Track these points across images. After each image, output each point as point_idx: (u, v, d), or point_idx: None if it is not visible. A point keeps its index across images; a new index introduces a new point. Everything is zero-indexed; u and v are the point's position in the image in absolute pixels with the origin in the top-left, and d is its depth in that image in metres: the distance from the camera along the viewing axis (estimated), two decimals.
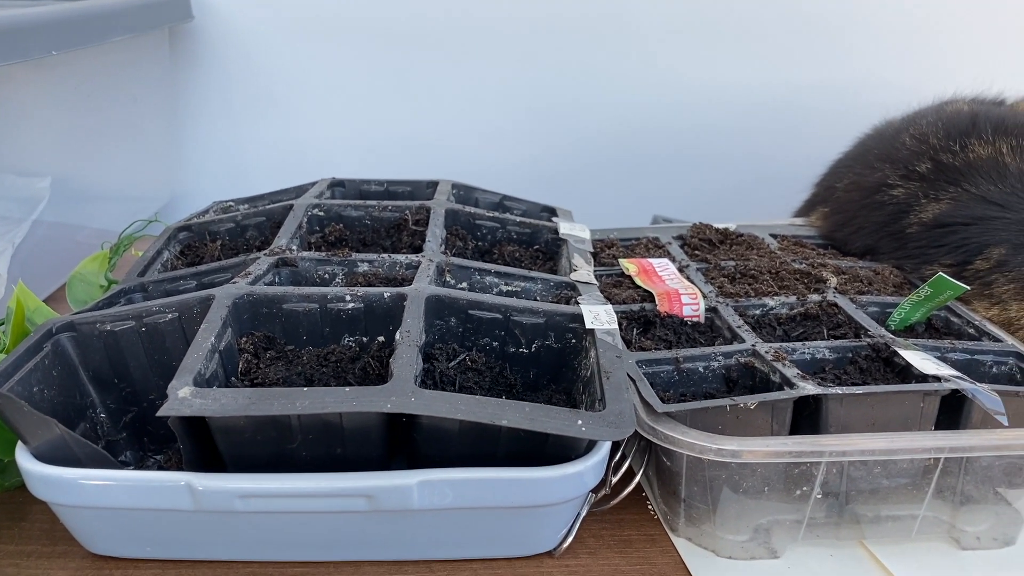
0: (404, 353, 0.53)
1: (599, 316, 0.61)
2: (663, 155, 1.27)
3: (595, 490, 0.60)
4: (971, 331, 0.70)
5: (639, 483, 0.64)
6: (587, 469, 0.52)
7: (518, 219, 0.84)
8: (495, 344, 0.62)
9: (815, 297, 0.73)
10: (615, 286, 0.78)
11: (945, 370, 0.58)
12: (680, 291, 0.73)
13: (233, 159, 1.27)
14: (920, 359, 0.60)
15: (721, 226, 0.92)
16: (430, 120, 1.26)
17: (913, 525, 0.58)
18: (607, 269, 0.82)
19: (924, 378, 0.58)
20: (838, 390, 0.56)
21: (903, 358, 0.61)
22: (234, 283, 0.61)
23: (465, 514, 0.53)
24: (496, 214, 0.84)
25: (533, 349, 0.62)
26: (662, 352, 0.64)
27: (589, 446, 0.54)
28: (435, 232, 0.76)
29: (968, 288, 0.69)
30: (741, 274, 0.79)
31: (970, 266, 0.76)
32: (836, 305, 0.72)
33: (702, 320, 0.71)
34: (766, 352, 0.62)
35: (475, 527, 0.54)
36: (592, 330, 0.60)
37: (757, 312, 0.72)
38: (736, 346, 0.64)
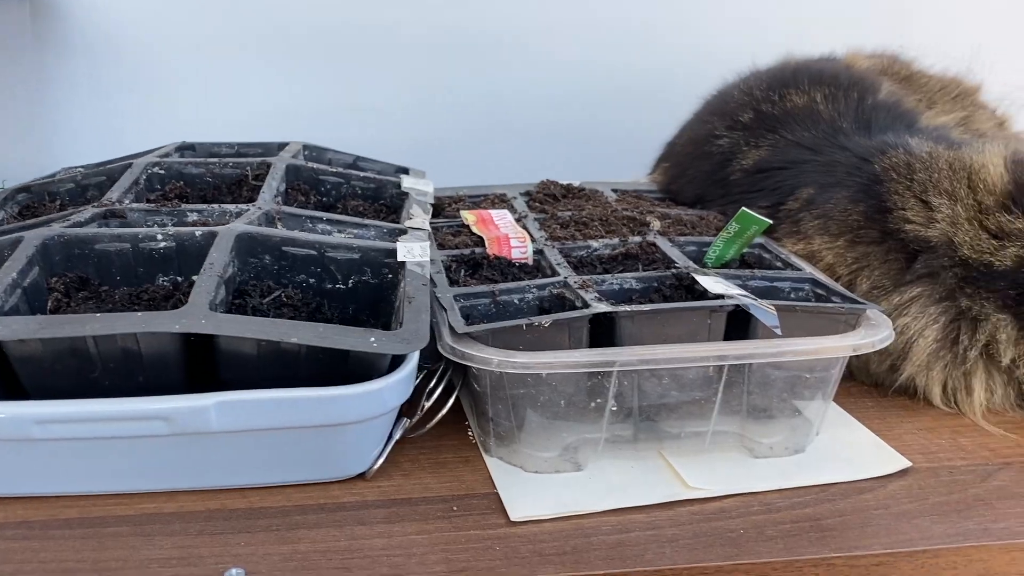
0: (203, 282, 0.55)
1: (412, 251, 0.64)
2: (544, 125, 1.28)
3: (410, 415, 0.62)
4: (779, 264, 0.74)
5: (463, 412, 0.66)
6: (386, 387, 0.55)
7: (362, 174, 0.86)
8: (312, 281, 0.64)
9: (636, 239, 0.77)
10: (453, 235, 0.80)
11: (732, 290, 0.62)
12: (510, 235, 0.76)
13: (103, 138, 1.25)
14: (713, 283, 0.64)
15: (567, 182, 0.96)
16: (302, 94, 1.26)
17: (706, 436, 0.62)
18: (450, 221, 0.84)
19: (714, 299, 0.62)
20: (627, 308, 0.60)
21: (701, 285, 0.65)
22: (49, 227, 0.62)
23: (268, 436, 0.54)
24: (341, 170, 0.86)
25: (350, 285, 0.64)
26: (481, 287, 0.67)
27: (393, 368, 0.56)
28: (271, 184, 0.77)
29: (771, 222, 0.73)
30: (574, 222, 0.83)
31: (783, 206, 0.81)
32: (655, 245, 0.76)
33: (530, 262, 0.75)
34: (575, 283, 0.65)
35: (281, 450, 0.56)
36: (403, 262, 0.62)
37: (582, 253, 0.76)
38: (550, 279, 0.67)
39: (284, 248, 0.63)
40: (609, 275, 0.68)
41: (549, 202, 0.91)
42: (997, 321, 0.68)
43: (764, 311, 0.59)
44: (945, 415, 0.70)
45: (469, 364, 0.57)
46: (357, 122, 1.24)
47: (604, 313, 0.60)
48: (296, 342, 0.51)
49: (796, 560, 0.53)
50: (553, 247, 0.75)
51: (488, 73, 1.25)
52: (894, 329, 0.70)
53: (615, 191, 0.96)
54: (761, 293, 0.69)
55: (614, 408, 0.60)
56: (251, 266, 0.63)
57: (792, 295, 0.70)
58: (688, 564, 0.52)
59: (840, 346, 0.59)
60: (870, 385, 0.74)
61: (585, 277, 0.67)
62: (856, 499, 0.59)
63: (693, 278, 0.67)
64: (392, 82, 1.22)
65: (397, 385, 0.55)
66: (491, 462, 0.62)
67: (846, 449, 0.65)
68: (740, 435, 0.63)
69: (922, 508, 0.58)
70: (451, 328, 0.59)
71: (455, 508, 0.57)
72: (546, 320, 0.58)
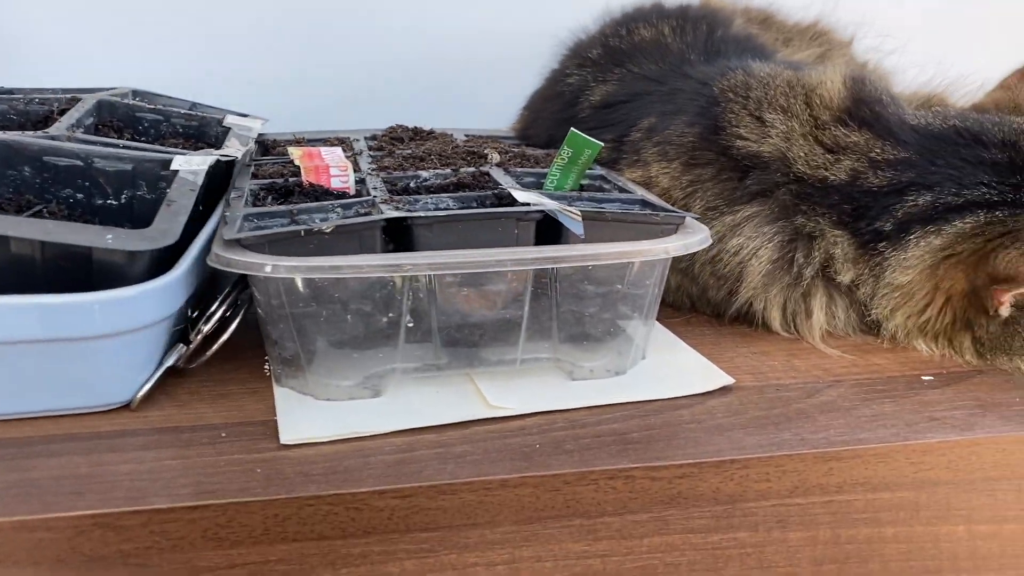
0: None
1: (191, 161, 0.58)
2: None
3: (186, 342, 0.56)
4: (615, 191, 0.70)
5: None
6: (137, 296, 0.49)
7: (184, 112, 0.80)
8: (80, 196, 0.58)
9: (470, 169, 0.72)
10: (275, 168, 0.75)
11: (544, 201, 0.58)
12: (331, 165, 0.71)
13: None
14: (524, 195, 0.59)
15: (416, 126, 0.91)
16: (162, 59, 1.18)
17: (519, 359, 0.58)
18: (278, 158, 0.79)
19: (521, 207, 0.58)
20: (423, 213, 0.55)
21: (514, 197, 0.60)
22: None
23: (5, 353, 0.48)
24: (161, 107, 0.80)
25: (123, 200, 0.58)
26: (279, 207, 0.61)
27: (149, 278, 0.50)
28: (73, 116, 0.71)
29: (602, 144, 0.69)
30: (413, 157, 0.78)
31: (627, 138, 0.77)
32: (488, 175, 0.71)
33: (351, 191, 0.69)
34: (382, 201, 0.60)
35: (25, 370, 0.49)
36: (176, 171, 0.56)
37: (409, 183, 0.70)
38: (357, 199, 0.62)
39: (45, 158, 0.56)
40: (425, 195, 0.63)
41: (394, 144, 0.86)
42: (833, 238, 0.65)
43: (568, 217, 0.55)
44: (784, 340, 0.66)
45: (235, 271, 0.51)
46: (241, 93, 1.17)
47: (402, 223, 0.55)
48: (13, 235, 0.44)
49: (591, 471, 0.48)
50: (378, 176, 0.70)
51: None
52: (728, 251, 0.67)
53: (468, 135, 0.91)
54: (588, 215, 0.64)
55: (410, 324, 0.55)
56: (9, 179, 0.56)
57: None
58: (470, 478, 0.47)
59: (648, 249, 0.55)
60: (711, 316, 0.71)
61: (396, 197, 0.62)
62: (669, 415, 0.55)
63: (513, 197, 0.62)
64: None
65: (152, 295, 0.49)
66: (280, 392, 0.56)
67: (670, 370, 0.60)
68: (558, 359, 0.59)
69: (738, 422, 0.54)
70: (222, 238, 0.53)
71: (223, 435, 0.51)
72: (328, 226, 0.53)
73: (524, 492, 0.48)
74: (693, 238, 0.57)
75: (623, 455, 0.50)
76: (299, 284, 0.53)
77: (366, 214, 0.59)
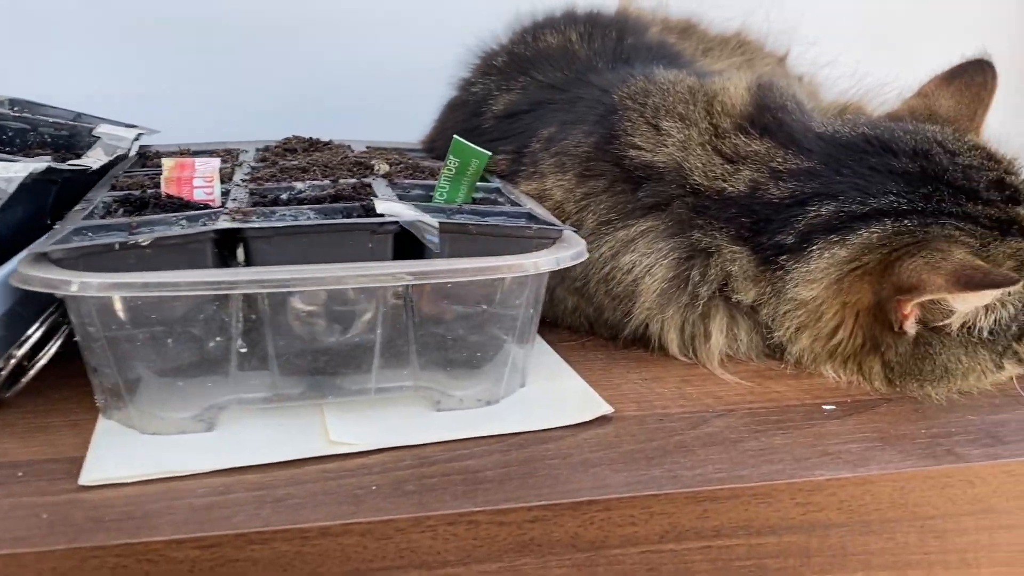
0: None
1: (7, 169, 0.52)
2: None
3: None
4: (507, 206, 0.65)
5: None
6: None
7: (52, 120, 0.74)
8: None
9: (350, 181, 0.67)
10: (141, 180, 0.69)
11: (401, 212, 0.52)
12: (194, 176, 0.65)
13: None
14: (384, 206, 0.54)
15: (315, 137, 0.86)
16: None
17: (374, 388, 0.52)
18: (150, 170, 0.73)
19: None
20: (260, 224, 0.49)
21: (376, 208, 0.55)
22: None
23: None
24: (28, 115, 0.74)
25: None
26: (118, 220, 0.55)
27: None
28: None
29: (489, 154, 0.64)
30: (296, 168, 0.72)
31: (527, 149, 0.71)
32: (370, 186, 0.66)
33: (216, 203, 0.63)
34: (233, 212, 0.55)
35: None
36: None
37: (282, 195, 0.65)
38: (204, 211, 0.56)
39: None
40: (282, 207, 0.58)
41: (285, 155, 0.80)
42: (731, 254, 0.60)
43: (423, 227, 0.49)
44: (681, 365, 0.61)
45: (34, 289, 0.45)
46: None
47: (239, 236, 0.49)
48: None
49: (428, 516, 0.43)
50: (246, 187, 0.64)
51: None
52: (621, 269, 0.61)
53: (369, 147, 0.86)
54: (448, 228, 0.58)
55: (243, 350, 0.49)
56: None
57: None
58: (286, 525, 0.41)
59: (511, 264, 0.49)
60: (610, 339, 0.65)
61: (250, 208, 0.56)
62: (534, 449, 0.49)
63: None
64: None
65: None
66: (103, 425, 0.50)
67: (547, 399, 0.55)
68: (425, 387, 0.53)
69: (608, 457, 0.48)
70: (31, 252, 0.48)
71: (20, 474, 0.45)
72: (145, 239, 0.47)
73: (349, 541, 0.42)
74: (566, 252, 0.52)
75: (469, 497, 0.44)
76: (116, 304, 0.47)
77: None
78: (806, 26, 0.95)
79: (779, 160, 0.61)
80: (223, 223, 0.49)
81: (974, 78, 0.65)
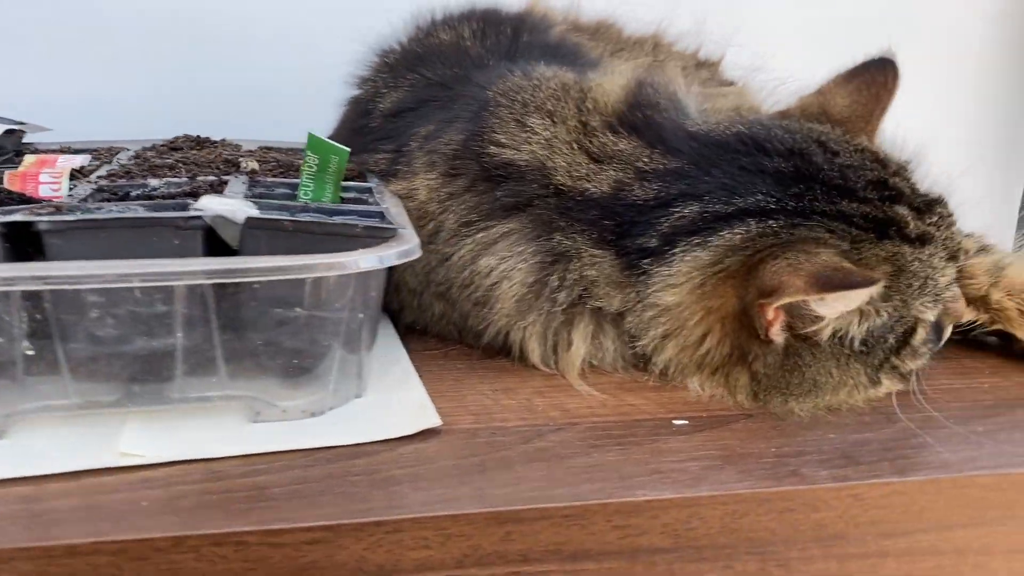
0: None
1: None
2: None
3: None
4: (371, 206, 0.62)
5: None
6: None
7: None
8: None
9: (209, 178, 0.64)
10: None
11: (216, 206, 0.49)
12: (42, 171, 0.62)
13: None
14: (208, 200, 0.50)
15: (207, 136, 0.83)
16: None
17: (176, 395, 0.48)
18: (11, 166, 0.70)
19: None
20: (52, 218, 0.46)
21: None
22: None
23: None
24: None
25: None
26: None
27: None
28: None
29: (347, 149, 0.61)
30: (163, 166, 0.69)
31: (406, 147, 0.68)
32: (226, 183, 0.63)
33: (63, 199, 0.60)
34: (47, 210, 0.51)
35: None
36: None
37: (134, 192, 0.62)
38: (20, 206, 0.53)
39: None
40: (110, 203, 0.54)
41: (167, 153, 0.77)
42: (592, 259, 0.56)
43: (223, 223, 0.46)
44: (541, 376, 0.58)
45: None
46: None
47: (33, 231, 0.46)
48: None
49: (189, 536, 0.39)
50: (96, 184, 0.61)
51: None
52: (480, 273, 0.58)
53: (263, 147, 0.82)
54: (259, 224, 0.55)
55: (30, 352, 0.46)
56: None
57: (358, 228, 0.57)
58: (30, 544, 0.38)
59: (315, 263, 0.46)
60: (477, 347, 0.61)
61: (69, 203, 0.53)
62: (342, 464, 0.45)
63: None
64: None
65: None
66: None
67: (378, 411, 0.51)
68: (246, 397, 0.50)
69: (417, 473, 0.45)
70: None
71: None
72: None
73: (100, 561, 0.38)
74: (391, 251, 0.48)
75: (244, 515, 0.40)
76: None
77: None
78: (748, 32, 0.92)
79: (645, 160, 0.57)
80: (17, 216, 0.46)
81: (875, 78, 0.62)
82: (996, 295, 0.62)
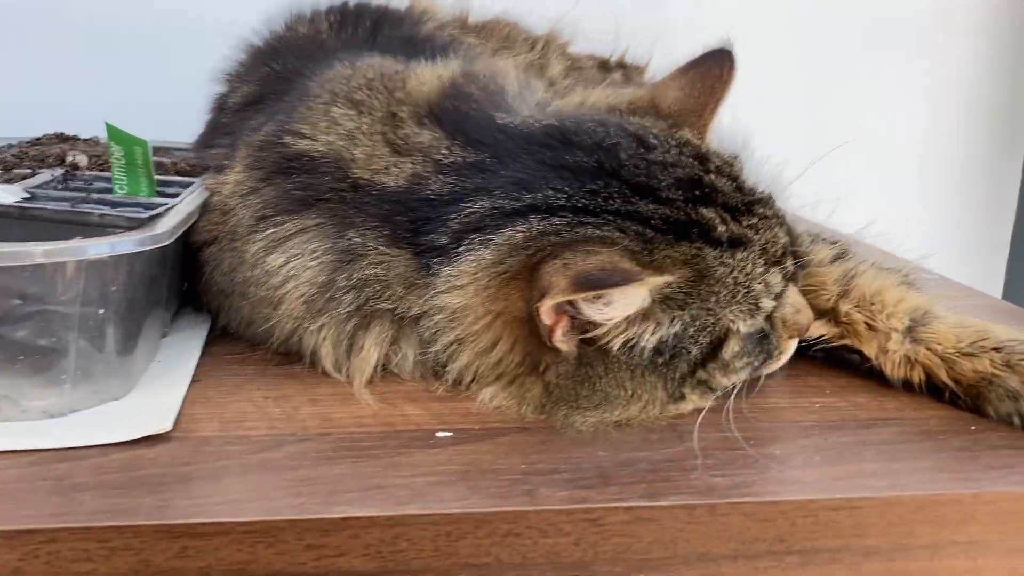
0: None
1: None
2: None
3: None
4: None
5: None
6: None
7: None
8: None
9: (24, 171, 0.62)
10: None
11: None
12: None
13: None
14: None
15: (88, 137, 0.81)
16: None
17: None
18: None
19: None
20: None
21: None
22: None
23: None
24: None
25: None
26: None
27: None
28: None
29: (145, 140, 0.58)
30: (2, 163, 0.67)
31: (238, 142, 0.65)
32: (30, 176, 0.60)
33: None
34: None
35: None
36: None
37: None
38: None
39: None
40: None
41: (25, 150, 0.76)
42: (384, 258, 0.52)
43: None
44: (328, 383, 0.54)
45: None
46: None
47: None
48: None
49: None
50: None
51: None
52: (270, 271, 0.54)
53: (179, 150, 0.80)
54: (72, 217, 0.52)
55: None
56: None
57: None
58: None
59: (20, 251, 0.42)
60: (284, 353, 0.57)
61: None
62: (39, 468, 0.42)
63: None
64: None
65: None
66: None
67: (119, 415, 0.48)
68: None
69: (110, 481, 0.41)
70: None
71: None
72: None
73: None
74: (128, 239, 0.45)
75: None
76: None
77: None
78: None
79: (444, 152, 0.53)
80: None
81: (711, 69, 0.57)
82: (845, 307, 0.57)
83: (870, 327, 0.56)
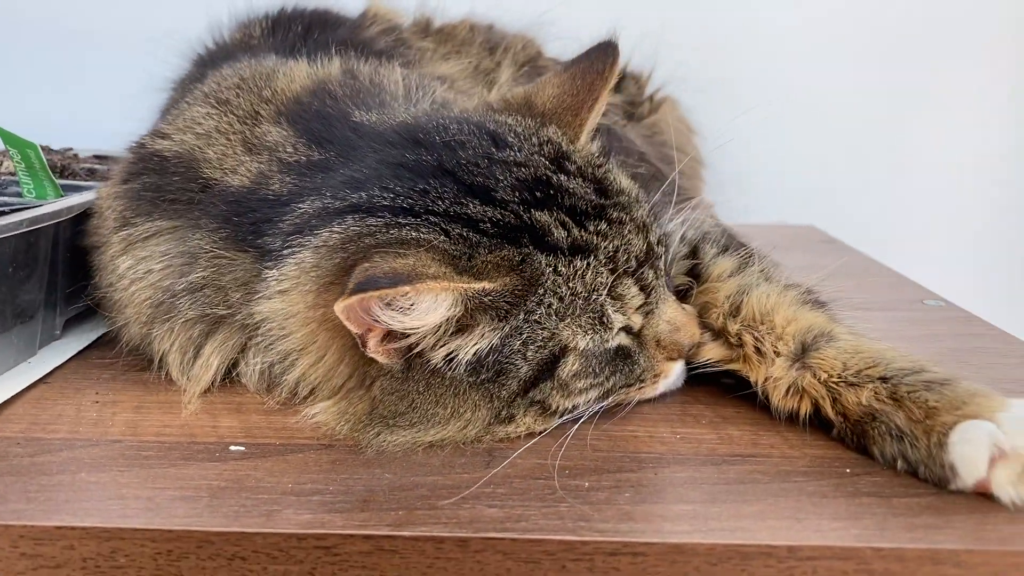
0: None
1: None
2: None
3: None
4: None
5: None
6: None
7: None
8: None
9: None
10: None
11: None
12: None
13: None
14: None
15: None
16: None
17: None
18: None
19: None
20: None
21: None
22: None
23: None
24: None
25: None
26: None
27: None
28: None
29: (35, 143, 0.58)
30: None
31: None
32: None
33: None
34: None
35: None
36: None
37: None
38: None
39: None
40: None
41: None
42: (224, 261, 0.50)
43: None
44: (172, 391, 0.51)
45: None
46: None
47: None
48: None
49: None
50: None
51: None
52: (120, 274, 0.53)
53: (97, 155, 0.82)
54: None
55: None
56: None
57: None
58: None
59: None
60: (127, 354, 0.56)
61: None
62: None
63: None
64: None
65: None
66: None
67: None
68: None
69: None
70: None
71: None
72: None
73: None
74: None
75: None
76: None
77: None
78: None
79: (289, 151, 0.51)
80: None
81: (593, 65, 0.52)
82: (733, 327, 0.50)
83: (758, 350, 0.49)
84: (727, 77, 1.02)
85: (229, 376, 0.52)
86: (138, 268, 0.52)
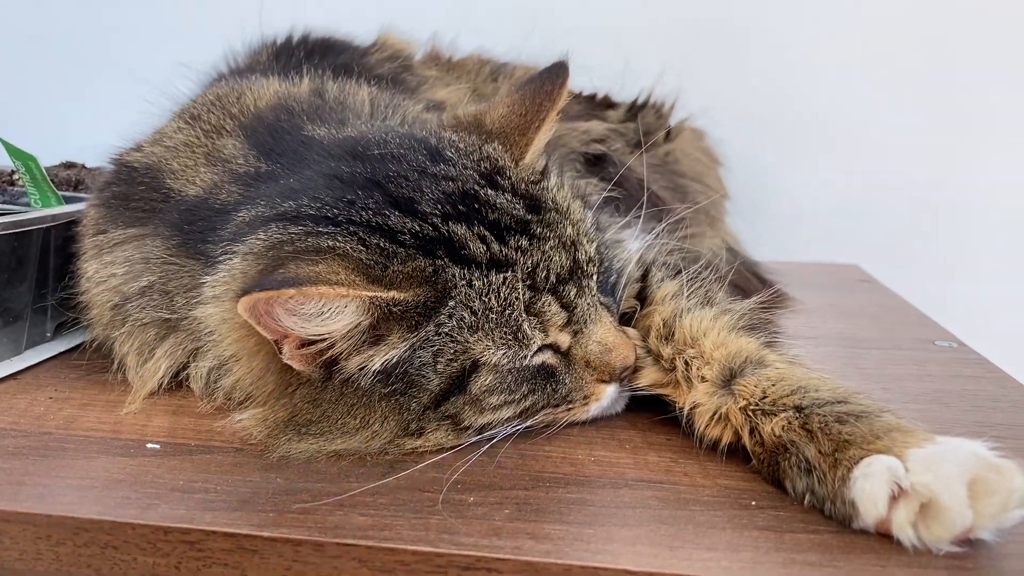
0: None
1: None
2: None
3: None
4: None
5: None
6: None
7: None
8: None
9: None
10: None
11: None
12: None
13: None
14: None
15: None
16: None
17: None
18: None
19: None
20: None
21: None
22: None
23: None
24: None
25: None
26: None
27: None
28: None
29: (34, 155, 0.62)
30: None
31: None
32: None
33: None
34: None
35: None
36: None
37: None
38: None
39: None
40: None
41: None
42: (175, 268, 0.52)
43: None
44: (123, 391, 0.54)
45: None
46: None
47: None
48: None
49: None
50: None
51: None
52: (87, 278, 0.56)
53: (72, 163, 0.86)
54: None
55: None
56: None
57: None
58: None
59: None
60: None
61: None
62: None
63: None
64: None
65: None
66: None
67: None
68: None
69: None
70: None
71: None
72: None
73: None
74: None
75: None
76: None
77: None
78: None
79: (240, 162, 0.53)
80: None
81: (543, 86, 0.52)
82: (666, 350, 0.49)
83: (687, 376, 0.47)
84: (761, 110, 1.01)
85: (179, 380, 0.54)
86: (102, 272, 0.55)
